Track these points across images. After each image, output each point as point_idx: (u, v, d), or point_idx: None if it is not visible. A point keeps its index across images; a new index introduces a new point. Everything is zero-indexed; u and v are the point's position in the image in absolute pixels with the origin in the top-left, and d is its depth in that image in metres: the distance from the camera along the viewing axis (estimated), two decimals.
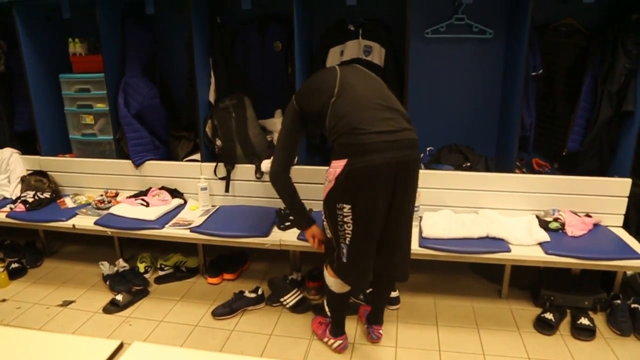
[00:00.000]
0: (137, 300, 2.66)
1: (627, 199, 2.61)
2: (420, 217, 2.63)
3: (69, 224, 2.77)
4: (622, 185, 2.61)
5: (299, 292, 2.57)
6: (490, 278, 2.79)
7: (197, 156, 3.02)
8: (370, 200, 1.80)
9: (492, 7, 2.83)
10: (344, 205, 1.84)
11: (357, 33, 2.78)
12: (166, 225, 2.68)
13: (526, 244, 2.38)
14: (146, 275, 2.89)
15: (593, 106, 2.71)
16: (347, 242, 1.90)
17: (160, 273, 2.91)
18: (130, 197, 2.98)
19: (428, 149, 2.95)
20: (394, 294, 2.56)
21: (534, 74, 2.67)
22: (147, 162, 3.06)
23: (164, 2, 2.85)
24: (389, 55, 2.77)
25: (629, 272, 2.58)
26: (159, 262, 2.93)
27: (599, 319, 2.41)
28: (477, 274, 2.87)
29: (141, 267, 2.91)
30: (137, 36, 3.02)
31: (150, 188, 3.05)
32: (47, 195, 3.05)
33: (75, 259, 3.19)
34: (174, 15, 3.05)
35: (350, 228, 1.86)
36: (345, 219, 1.86)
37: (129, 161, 3.05)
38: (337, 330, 2.21)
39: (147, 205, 2.88)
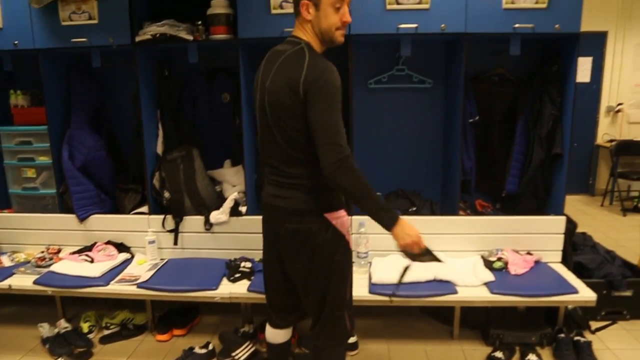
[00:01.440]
0: None
1: (563, 236, 2.76)
2: (370, 263, 2.67)
3: (4, 284, 2.62)
4: (558, 222, 2.76)
5: (251, 345, 2.52)
6: (441, 319, 2.84)
7: (145, 209, 2.97)
8: (263, 247, 1.91)
9: (430, 59, 3.00)
10: None
11: None
12: (112, 282, 2.59)
13: (472, 285, 2.45)
14: (90, 336, 2.75)
15: (526, 149, 2.88)
16: None
17: (106, 332, 2.78)
18: (74, 253, 2.87)
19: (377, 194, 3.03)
20: (352, 340, 2.55)
21: (471, 120, 2.83)
22: (93, 216, 2.97)
23: (110, 55, 2.85)
24: None
25: (570, 306, 2.68)
26: (105, 320, 2.81)
27: (546, 354, 2.49)
28: (428, 316, 2.90)
29: (85, 326, 2.77)
30: (83, 88, 2.99)
31: (95, 243, 2.95)
32: None
33: (11, 322, 2.99)
34: (120, 67, 3.05)
35: None
36: None
37: (73, 215, 2.95)
38: None
39: (92, 261, 2.78)
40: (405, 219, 1.69)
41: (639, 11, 5.68)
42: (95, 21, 2.67)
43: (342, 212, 1.75)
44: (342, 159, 1.53)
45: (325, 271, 1.73)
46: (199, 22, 2.63)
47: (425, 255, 1.77)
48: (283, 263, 1.83)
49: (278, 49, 1.73)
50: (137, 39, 2.63)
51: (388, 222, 1.65)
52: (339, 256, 1.74)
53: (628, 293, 2.78)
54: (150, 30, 2.58)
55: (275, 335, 2.02)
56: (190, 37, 2.62)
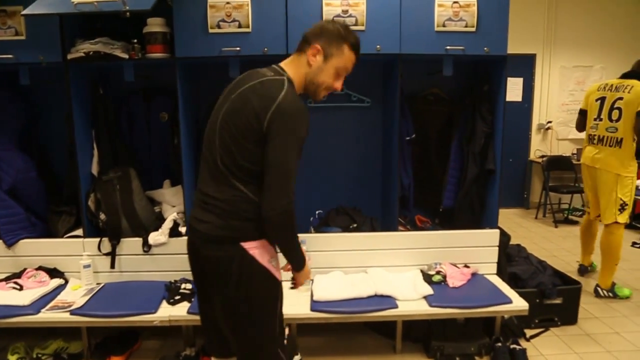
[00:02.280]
0: None
1: (497, 248, 2.87)
2: (312, 281, 2.67)
3: None
4: (492, 235, 2.88)
5: None
6: (385, 334, 2.87)
7: (80, 232, 2.85)
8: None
9: (368, 78, 3.09)
10: None
11: None
12: (43, 310, 2.46)
13: (412, 299, 2.51)
14: None
15: (461, 166, 3.01)
16: None
17: None
18: (0, 281, 2.70)
19: (317, 212, 3.06)
20: (296, 358, 2.52)
21: (407, 138, 2.92)
22: (22, 241, 2.81)
23: (40, 72, 2.74)
24: None
25: (506, 316, 2.79)
26: (35, 351, 2.64)
27: None
28: (372, 331, 2.93)
29: (13, 359, 2.60)
30: (10, 107, 2.86)
31: (25, 269, 2.79)
32: None
33: None
34: (52, 85, 2.94)
35: None
36: None
37: (0, 241, 2.79)
38: None
39: (21, 288, 2.63)
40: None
41: (562, 36, 6.11)
42: (23, 37, 2.58)
43: (263, 242, 1.63)
44: (287, 205, 1.51)
45: (243, 304, 1.62)
46: (135, 41, 2.59)
47: None
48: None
49: (260, 70, 1.66)
50: (69, 56, 2.55)
51: (299, 265, 1.72)
52: (259, 289, 1.63)
53: (558, 301, 2.93)
54: (83, 48, 2.51)
55: None
56: (126, 56, 2.57)
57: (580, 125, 3.68)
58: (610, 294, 3.42)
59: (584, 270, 3.90)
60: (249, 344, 1.67)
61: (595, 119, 3.47)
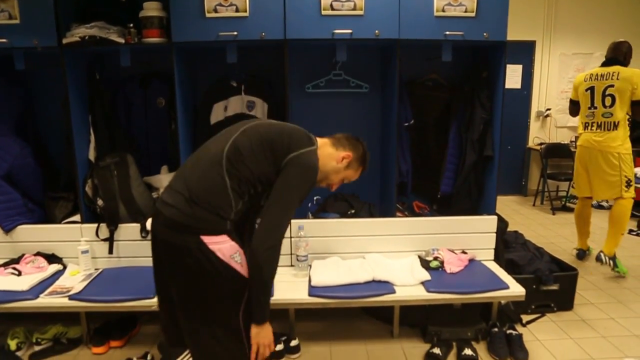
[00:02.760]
0: None
1: (495, 234, 2.88)
2: (310, 266, 2.69)
3: None
4: (490, 222, 2.88)
5: (190, 355, 2.47)
6: (382, 319, 2.89)
7: (77, 217, 2.85)
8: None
9: (367, 64, 3.07)
10: None
11: (239, 89, 2.86)
12: (41, 295, 2.46)
13: (409, 284, 2.51)
14: (19, 353, 2.59)
15: (460, 152, 3.00)
16: None
17: (37, 348, 2.63)
18: None
19: (315, 198, 3.06)
20: (294, 343, 2.55)
21: (406, 124, 2.91)
22: (20, 227, 2.81)
23: (35, 57, 2.72)
24: (271, 110, 2.88)
25: (502, 301, 2.80)
26: (35, 336, 2.65)
27: (481, 348, 2.58)
28: (369, 316, 2.95)
29: (12, 344, 2.61)
30: (5, 92, 2.84)
31: (23, 255, 2.79)
32: None
33: None
34: (48, 70, 2.93)
35: None
36: None
37: None
38: None
39: (19, 274, 2.63)
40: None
41: (562, 23, 6.07)
42: (17, 21, 2.54)
43: (224, 238, 1.60)
44: (277, 245, 1.59)
45: (200, 297, 1.62)
46: (131, 25, 2.56)
47: None
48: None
49: None
50: (65, 41, 2.53)
51: (262, 318, 1.65)
52: (219, 284, 1.61)
53: (555, 287, 2.94)
54: (79, 32, 2.49)
55: None
56: (122, 40, 2.55)
57: (574, 112, 3.83)
58: (611, 262, 3.54)
59: (583, 254, 3.95)
60: (205, 338, 1.66)
61: (589, 108, 3.61)
